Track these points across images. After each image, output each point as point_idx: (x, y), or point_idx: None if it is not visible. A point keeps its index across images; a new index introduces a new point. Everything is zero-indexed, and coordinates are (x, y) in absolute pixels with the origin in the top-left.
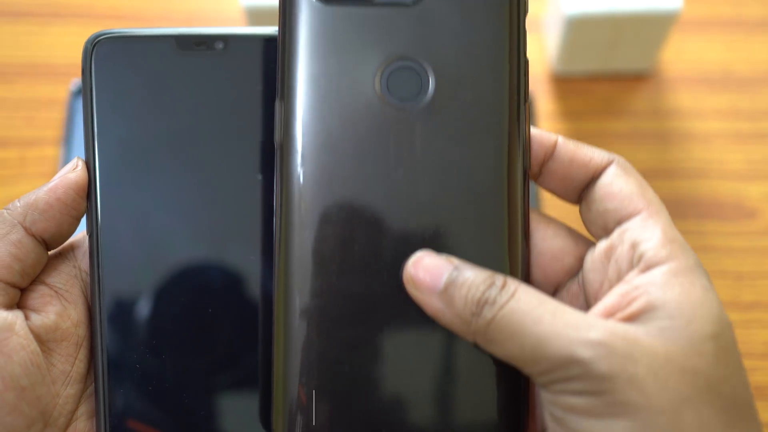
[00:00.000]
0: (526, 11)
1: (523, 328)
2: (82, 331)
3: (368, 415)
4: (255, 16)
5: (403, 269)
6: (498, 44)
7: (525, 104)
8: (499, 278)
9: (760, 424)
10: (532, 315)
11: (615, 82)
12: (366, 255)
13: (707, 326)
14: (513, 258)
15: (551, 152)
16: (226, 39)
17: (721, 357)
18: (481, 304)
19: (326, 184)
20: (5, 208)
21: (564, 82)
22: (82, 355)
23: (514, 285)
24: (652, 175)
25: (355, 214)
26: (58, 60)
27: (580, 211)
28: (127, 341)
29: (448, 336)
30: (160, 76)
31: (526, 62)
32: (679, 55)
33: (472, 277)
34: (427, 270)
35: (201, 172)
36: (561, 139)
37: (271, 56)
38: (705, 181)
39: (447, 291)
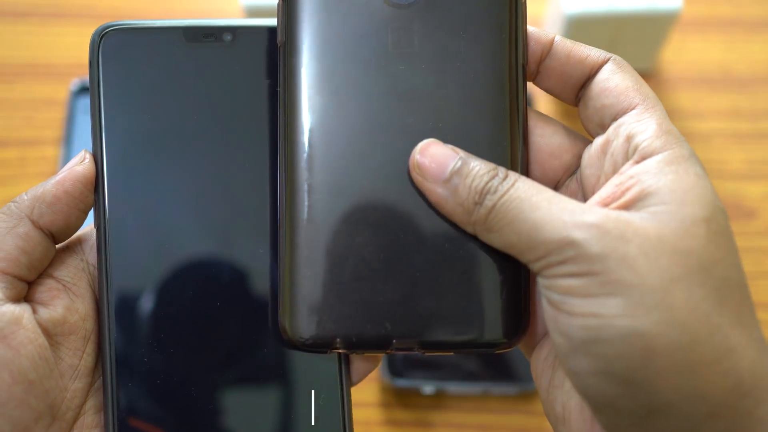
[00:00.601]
0: None
1: (521, 214)
2: (89, 324)
3: (372, 309)
4: (255, 15)
5: (405, 162)
6: None
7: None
8: (502, 170)
9: (753, 305)
10: (530, 202)
11: None
12: (370, 148)
13: (699, 209)
14: (513, 152)
15: (548, 50)
16: (234, 30)
17: (713, 239)
18: (484, 193)
19: (330, 81)
20: (12, 201)
21: None
22: (90, 348)
23: (514, 176)
24: None
25: (359, 109)
26: (58, 60)
27: (579, 111)
28: (135, 335)
29: (450, 230)
30: (168, 68)
31: None
32: (679, 55)
33: (476, 168)
34: (434, 157)
35: (209, 164)
36: (558, 37)
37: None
38: None
39: (452, 180)
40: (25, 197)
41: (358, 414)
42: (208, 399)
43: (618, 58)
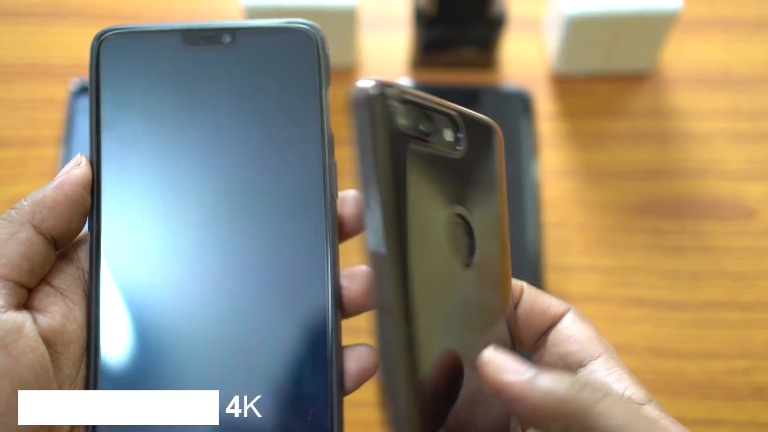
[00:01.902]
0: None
1: None
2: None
3: None
4: (256, 16)
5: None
6: (500, 199)
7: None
8: None
9: None
10: None
11: (615, 82)
12: None
13: None
14: None
15: (518, 299)
16: (233, 32)
17: None
18: None
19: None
20: (12, 208)
21: (564, 82)
22: None
23: None
24: (652, 175)
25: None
26: (58, 60)
27: (535, 359)
28: (124, 341)
29: None
30: (167, 71)
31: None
32: (679, 55)
33: None
34: None
35: (208, 169)
36: (526, 286)
37: (278, 49)
38: (704, 181)
39: None
40: (25, 203)
41: (358, 414)
42: None
43: (575, 308)
